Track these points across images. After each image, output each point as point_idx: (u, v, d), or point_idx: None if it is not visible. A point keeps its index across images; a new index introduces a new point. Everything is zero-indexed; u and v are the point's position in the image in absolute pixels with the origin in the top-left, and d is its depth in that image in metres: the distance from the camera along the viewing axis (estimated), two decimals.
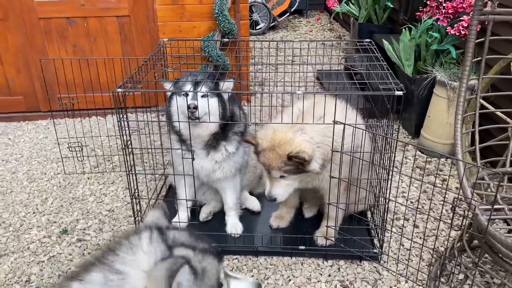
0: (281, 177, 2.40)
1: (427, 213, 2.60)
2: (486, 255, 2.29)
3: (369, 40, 3.07)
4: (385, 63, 2.67)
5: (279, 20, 7.94)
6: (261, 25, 7.69)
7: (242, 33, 4.51)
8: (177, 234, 1.20)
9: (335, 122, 2.25)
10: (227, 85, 2.63)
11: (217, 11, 4.24)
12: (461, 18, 3.54)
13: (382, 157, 2.50)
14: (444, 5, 3.70)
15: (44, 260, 2.76)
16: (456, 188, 3.30)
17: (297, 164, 2.29)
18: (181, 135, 2.63)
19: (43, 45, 4.32)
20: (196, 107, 2.43)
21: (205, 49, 4.30)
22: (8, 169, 3.73)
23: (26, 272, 2.69)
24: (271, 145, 2.33)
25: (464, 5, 3.54)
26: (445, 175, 3.53)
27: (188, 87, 2.54)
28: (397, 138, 2.33)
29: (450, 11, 3.62)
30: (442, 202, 3.19)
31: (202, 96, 2.50)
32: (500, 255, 2.05)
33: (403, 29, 4.09)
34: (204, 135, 2.61)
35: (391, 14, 5.58)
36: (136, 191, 2.71)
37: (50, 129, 4.35)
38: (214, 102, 2.55)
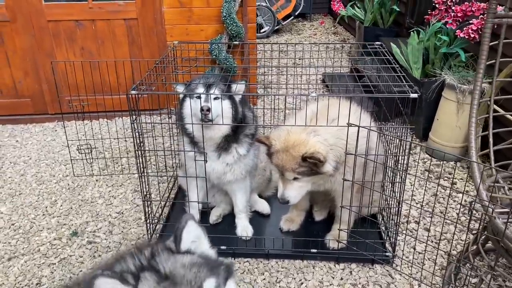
0: (295, 179, 2.39)
1: (442, 216, 2.59)
2: (500, 258, 2.28)
3: (379, 43, 3.07)
4: (397, 65, 2.67)
5: (283, 23, 7.96)
6: (266, 28, 7.71)
7: (249, 36, 4.52)
8: (163, 257, 1.12)
9: (349, 125, 2.25)
10: (239, 88, 2.63)
11: (224, 14, 4.24)
12: (470, 22, 3.55)
13: (396, 159, 2.49)
14: (453, 8, 3.70)
15: (55, 263, 2.75)
16: (466, 191, 3.30)
17: (311, 165, 2.29)
18: (193, 138, 2.63)
19: (51, 47, 4.32)
20: (209, 110, 2.43)
21: (213, 52, 4.31)
22: (16, 171, 3.73)
23: (36, 274, 2.68)
24: (285, 146, 2.33)
25: (473, 9, 3.55)
26: (455, 178, 3.53)
27: (200, 89, 2.54)
28: (411, 140, 2.32)
29: (459, 14, 3.63)
30: (452, 206, 3.18)
31: (215, 99, 2.50)
32: None
33: (412, 32, 4.09)
34: (216, 137, 2.61)
35: (397, 17, 5.59)
36: (148, 193, 2.71)
37: (58, 131, 4.35)
38: (226, 104, 2.55)
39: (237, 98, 2.62)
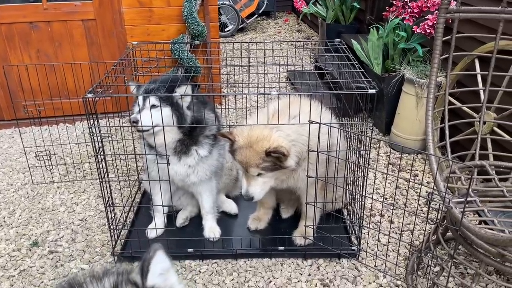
0: (258, 175, 2.39)
1: (402, 208, 2.65)
2: (460, 246, 2.35)
3: (339, 40, 3.11)
4: (356, 62, 2.70)
5: (247, 22, 7.95)
6: (230, 27, 7.68)
7: (212, 35, 4.49)
8: None
9: (310, 122, 2.27)
10: (184, 91, 2.48)
11: (186, 14, 4.19)
12: (426, 17, 3.64)
13: (357, 155, 2.53)
14: (409, 4, 3.79)
15: (15, 275, 2.64)
16: (428, 182, 3.39)
17: (274, 160, 2.30)
18: (148, 142, 2.59)
19: (4, 51, 4.14)
20: (136, 121, 2.39)
21: (175, 52, 4.25)
22: None
23: None
24: (248, 142, 2.32)
25: (428, 5, 3.65)
26: (416, 171, 3.62)
27: (139, 98, 2.46)
28: (371, 135, 2.36)
29: (415, 11, 3.72)
30: (415, 197, 3.26)
31: (153, 107, 2.42)
32: (474, 246, 2.11)
33: (371, 29, 4.16)
34: (168, 143, 2.51)
35: (358, 14, 5.68)
36: (110, 199, 2.64)
37: (15, 138, 4.18)
38: (167, 112, 2.45)
39: (184, 102, 2.51)
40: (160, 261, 1.07)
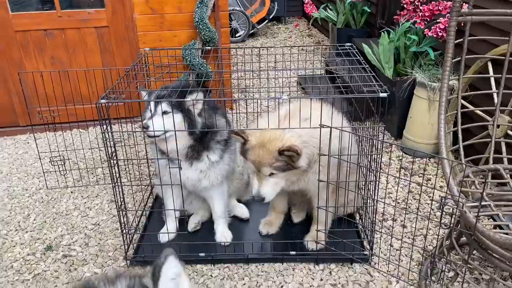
0: (270, 174, 2.39)
1: (415, 213, 2.63)
2: (475, 251, 2.32)
3: (350, 44, 3.11)
4: (367, 66, 2.70)
5: (258, 27, 7.98)
6: (241, 32, 7.72)
7: (223, 40, 4.52)
8: None
9: (321, 126, 2.26)
10: (195, 97, 2.49)
11: (197, 20, 4.23)
12: (437, 20, 3.62)
13: (369, 159, 2.52)
14: (420, 8, 3.77)
15: (29, 279, 2.68)
16: (441, 186, 3.35)
17: (287, 159, 2.31)
18: (160, 148, 2.61)
19: (20, 58, 4.22)
20: (147, 127, 2.41)
21: (186, 57, 4.29)
22: None
23: None
24: (260, 141, 2.34)
25: (440, 8, 3.63)
26: (429, 175, 3.59)
27: (151, 104, 2.48)
28: (383, 139, 2.35)
29: (426, 14, 3.70)
30: (428, 202, 3.23)
31: (164, 113, 2.45)
32: (489, 251, 2.08)
33: (382, 33, 4.15)
34: (179, 149, 2.53)
35: (368, 18, 5.67)
36: (123, 203, 2.67)
37: (30, 143, 4.25)
38: (178, 118, 2.46)
39: (196, 109, 2.52)
40: (171, 266, 1.06)
